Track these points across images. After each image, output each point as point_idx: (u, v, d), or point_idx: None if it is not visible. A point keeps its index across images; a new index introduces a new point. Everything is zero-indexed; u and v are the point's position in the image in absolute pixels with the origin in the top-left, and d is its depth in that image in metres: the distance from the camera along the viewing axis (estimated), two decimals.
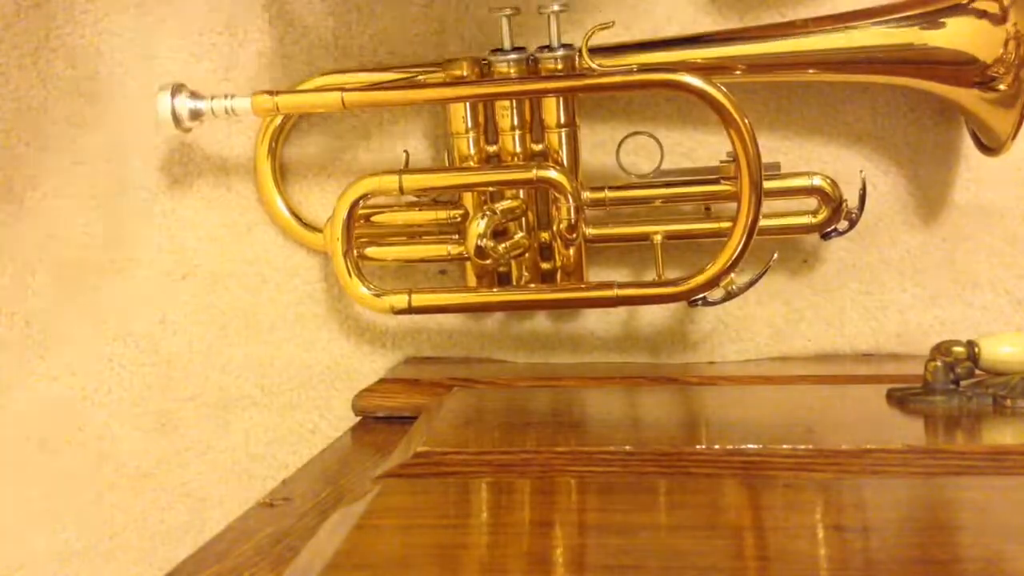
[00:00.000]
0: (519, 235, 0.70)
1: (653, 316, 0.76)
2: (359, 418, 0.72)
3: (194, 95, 0.69)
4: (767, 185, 0.64)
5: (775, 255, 0.69)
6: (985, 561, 0.29)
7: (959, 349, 0.53)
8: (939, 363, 0.52)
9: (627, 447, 0.40)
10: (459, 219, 0.71)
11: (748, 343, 0.76)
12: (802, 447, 0.40)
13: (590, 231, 0.70)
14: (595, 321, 0.76)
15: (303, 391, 0.79)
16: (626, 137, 0.70)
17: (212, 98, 0.69)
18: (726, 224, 0.66)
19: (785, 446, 0.40)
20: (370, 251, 0.72)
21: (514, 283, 0.71)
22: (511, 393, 0.65)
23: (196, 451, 0.80)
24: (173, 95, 0.69)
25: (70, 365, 0.79)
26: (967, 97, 0.66)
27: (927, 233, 0.74)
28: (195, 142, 0.77)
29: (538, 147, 0.69)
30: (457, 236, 0.71)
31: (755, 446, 0.40)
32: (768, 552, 0.30)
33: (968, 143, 0.72)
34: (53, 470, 0.80)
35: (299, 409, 0.79)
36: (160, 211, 0.78)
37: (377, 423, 0.70)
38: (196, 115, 0.69)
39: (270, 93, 0.67)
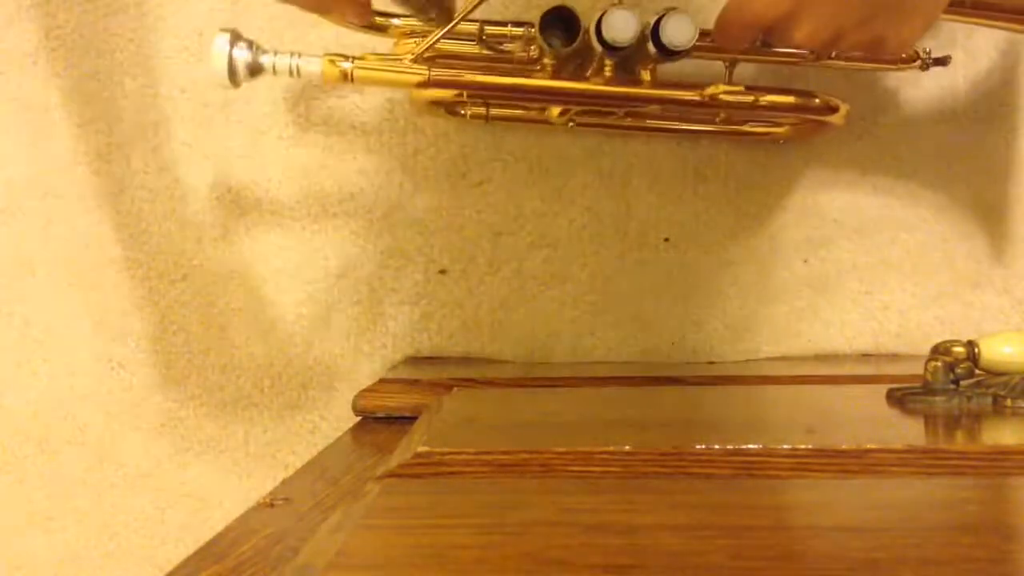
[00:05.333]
0: None
1: (653, 316, 0.76)
2: (359, 418, 0.72)
3: (255, 46, 0.61)
4: None
5: None
6: (985, 561, 0.29)
7: (959, 349, 0.52)
8: (939, 363, 0.52)
9: (627, 447, 0.40)
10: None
11: (748, 343, 0.76)
12: (802, 447, 0.40)
13: None
14: (595, 321, 0.76)
15: (303, 391, 0.79)
16: None
17: (276, 53, 0.61)
18: None
19: (785, 446, 0.40)
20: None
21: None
22: (511, 393, 0.65)
23: (196, 451, 0.80)
24: (232, 43, 0.60)
25: (70, 365, 0.79)
26: None
27: (927, 233, 0.74)
28: (195, 142, 0.77)
29: None
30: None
31: (755, 446, 0.40)
32: (768, 552, 0.30)
33: (969, 143, 0.72)
34: (53, 470, 0.80)
35: (299, 409, 0.79)
36: (160, 211, 0.78)
37: (377, 423, 0.70)
38: (255, 70, 0.61)
39: (345, 58, 0.61)
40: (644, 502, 0.36)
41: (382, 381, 0.74)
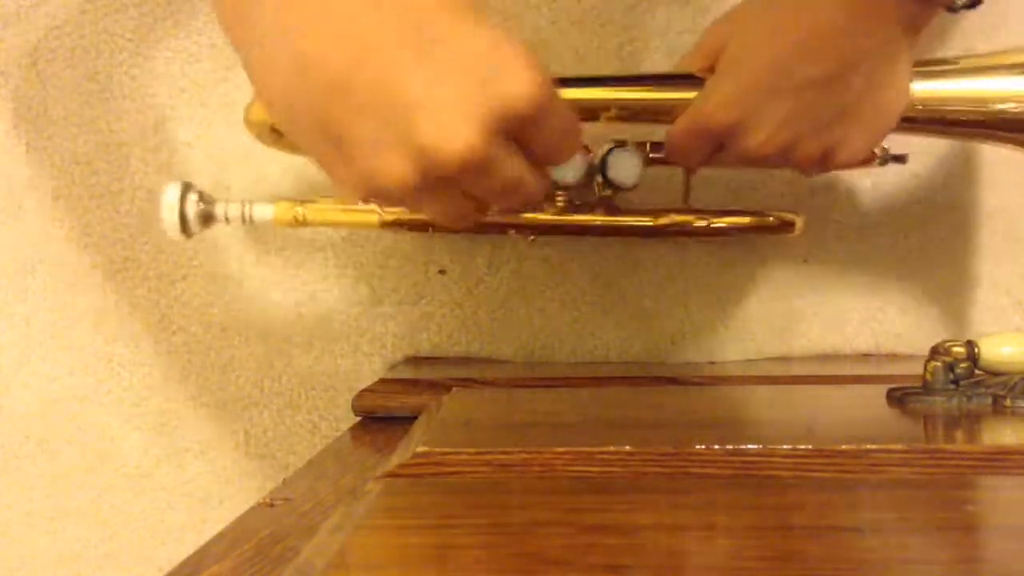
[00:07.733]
0: None
1: (654, 316, 0.76)
2: (359, 418, 0.72)
3: (205, 197, 0.62)
4: None
5: None
6: (985, 561, 0.29)
7: (959, 349, 0.52)
8: (939, 363, 0.52)
9: (627, 447, 0.40)
10: None
11: (748, 343, 0.76)
12: (802, 447, 0.40)
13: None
14: (595, 321, 0.76)
15: (303, 391, 0.79)
16: None
17: (227, 202, 0.63)
18: None
19: (785, 446, 0.40)
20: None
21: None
22: (511, 393, 0.65)
23: (196, 451, 0.80)
24: (183, 196, 0.61)
25: (70, 365, 0.79)
26: None
27: (927, 233, 0.74)
28: (195, 141, 0.77)
29: None
30: None
31: (755, 446, 0.40)
32: (768, 552, 0.30)
33: (968, 144, 0.72)
34: (53, 470, 0.80)
35: (299, 409, 0.79)
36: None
37: (377, 423, 0.70)
38: (207, 219, 0.63)
39: (298, 203, 0.64)
40: (644, 502, 0.36)
41: (382, 381, 0.74)
